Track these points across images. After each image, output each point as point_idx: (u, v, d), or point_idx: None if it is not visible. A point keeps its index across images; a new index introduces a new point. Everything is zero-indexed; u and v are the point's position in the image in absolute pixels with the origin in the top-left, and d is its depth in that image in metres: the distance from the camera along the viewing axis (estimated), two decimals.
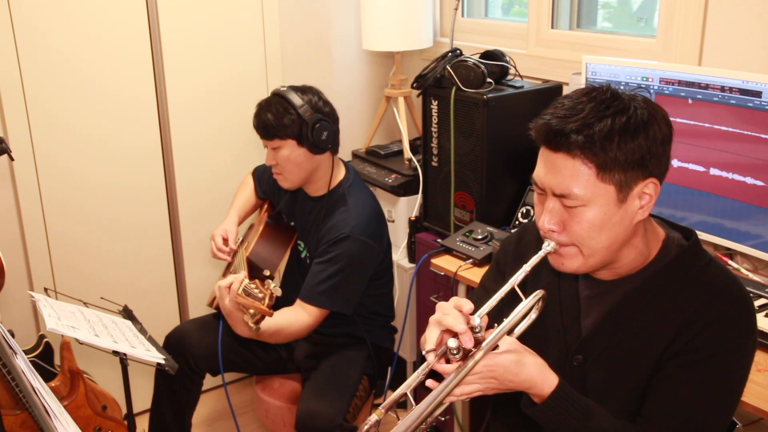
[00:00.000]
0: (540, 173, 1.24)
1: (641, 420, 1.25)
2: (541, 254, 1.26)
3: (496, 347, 1.22)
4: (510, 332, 1.28)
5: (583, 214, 1.20)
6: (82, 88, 2.51)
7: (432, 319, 1.22)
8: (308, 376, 2.23)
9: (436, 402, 1.20)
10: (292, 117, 2.09)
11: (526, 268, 1.26)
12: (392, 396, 1.20)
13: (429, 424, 1.25)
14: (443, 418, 2.60)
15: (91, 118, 2.55)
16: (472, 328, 1.18)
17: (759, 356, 1.58)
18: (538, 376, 1.23)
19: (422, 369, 1.21)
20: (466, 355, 1.19)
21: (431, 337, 1.21)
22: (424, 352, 1.22)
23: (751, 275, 1.90)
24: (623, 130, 1.16)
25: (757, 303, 1.72)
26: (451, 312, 1.20)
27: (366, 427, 1.18)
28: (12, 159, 2.00)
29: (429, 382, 1.22)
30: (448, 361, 1.22)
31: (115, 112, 2.58)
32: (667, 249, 1.29)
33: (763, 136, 1.76)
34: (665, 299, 1.25)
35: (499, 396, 1.51)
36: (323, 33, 2.99)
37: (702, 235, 1.93)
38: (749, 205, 1.82)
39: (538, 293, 1.28)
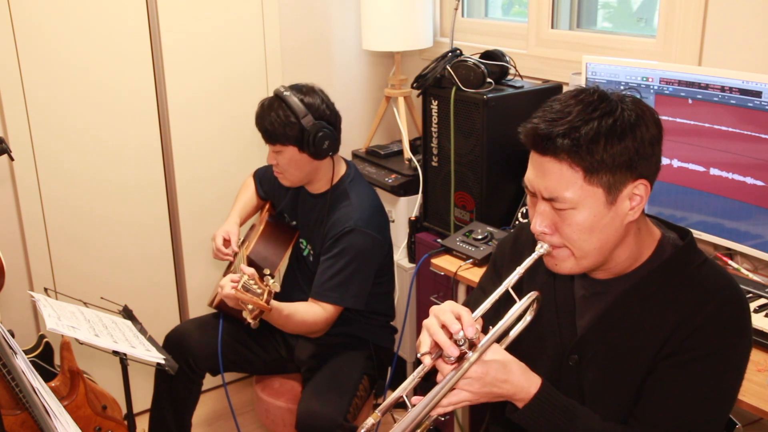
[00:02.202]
0: (530, 176, 1.25)
1: (633, 421, 1.24)
2: (534, 256, 1.26)
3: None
4: (505, 334, 1.28)
5: (572, 217, 1.20)
6: (82, 87, 2.51)
7: (425, 322, 1.23)
8: (308, 376, 2.23)
9: (432, 404, 1.19)
10: (294, 126, 2.08)
11: (520, 270, 1.27)
12: (388, 399, 1.20)
13: (425, 428, 1.24)
14: (443, 419, 2.60)
15: (91, 118, 2.55)
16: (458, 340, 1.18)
17: (759, 356, 1.58)
18: (524, 381, 1.23)
19: (418, 371, 1.22)
20: (461, 358, 1.19)
21: (425, 340, 1.21)
22: (419, 355, 1.22)
23: (751, 275, 1.90)
24: (609, 132, 1.16)
25: (758, 303, 1.72)
26: (446, 314, 1.20)
27: (363, 430, 1.18)
28: (12, 159, 2.00)
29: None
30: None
31: (115, 112, 2.58)
32: (663, 249, 1.29)
33: (763, 136, 1.76)
34: (660, 299, 1.25)
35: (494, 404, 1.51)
36: (323, 33, 2.99)
37: (702, 235, 1.93)
38: (749, 205, 1.82)
39: (532, 295, 1.29)
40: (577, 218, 1.20)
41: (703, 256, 1.29)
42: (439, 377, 1.21)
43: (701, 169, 1.91)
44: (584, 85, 1.26)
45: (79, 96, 2.51)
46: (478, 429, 2.51)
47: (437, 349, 1.20)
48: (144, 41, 2.57)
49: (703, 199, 1.92)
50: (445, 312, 1.20)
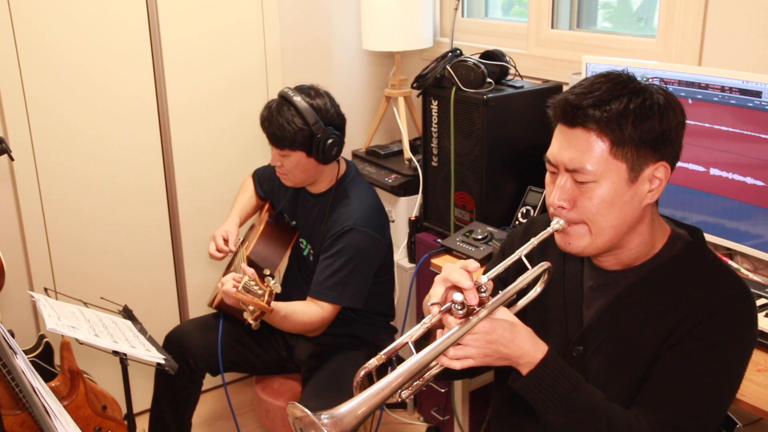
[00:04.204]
0: (554, 150, 1.26)
1: (636, 407, 1.25)
2: (549, 230, 1.26)
3: (493, 313, 1.21)
4: (515, 302, 1.28)
5: (594, 190, 1.21)
6: (82, 88, 2.51)
7: (438, 277, 1.23)
8: (308, 376, 2.23)
9: (435, 351, 1.17)
10: (304, 132, 2.06)
11: (534, 241, 1.27)
12: (393, 344, 1.18)
13: (426, 380, 1.23)
14: (443, 418, 2.60)
15: (91, 118, 2.55)
16: (478, 288, 1.18)
17: (759, 356, 1.58)
18: (531, 345, 1.22)
19: (426, 320, 1.21)
20: (470, 313, 1.18)
21: (436, 293, 1.22)
22: (429, 304, 1.21)
23: (751, 275, 1.90)
24: (639, 109, 1.18)
25: (758, 303, 1.72)
26: (457, 270, 1.20)
27: (363, 372, 1.17)
28: (12, 159, 2.00)
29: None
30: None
31: (115, 112, 2.58)
32: (673, 243, 1.31)
33: (763, 136, 1.76)
34: (668, 292, 1.26)
35: (499, 396, 1.51)
36: (323, 33, 2.99)
37: None
38: (749, 205, 1.82)
39: (543, 264, 1.29)
40: (598, 192, 1.21)
41: (712, 254, 1.31)
42: (444, 332, 1.20)
43: (701, 169, 1.91)
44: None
45: (79, 96, 2.51)
46: (478, 428, 2.51)
47: (446, 303, 1.19)
48: (144, 42, 2.57)
49: (703, 199, 1.92)
50: (457, 268, 1.20)
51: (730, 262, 1.96)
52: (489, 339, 1.19)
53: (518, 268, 1.30)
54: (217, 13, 2.69)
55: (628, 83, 1.21)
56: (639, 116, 1.18)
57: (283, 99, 2.11)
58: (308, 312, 2.09)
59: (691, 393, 1.21)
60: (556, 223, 1.26)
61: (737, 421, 1.40)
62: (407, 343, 1.20)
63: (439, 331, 1.22)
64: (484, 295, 1.19)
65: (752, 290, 1.74)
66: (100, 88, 2.54)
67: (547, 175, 1.30)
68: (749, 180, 1.81)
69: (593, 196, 1.21)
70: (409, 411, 2.88)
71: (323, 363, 2.22)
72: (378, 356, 1.17)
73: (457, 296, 1.17)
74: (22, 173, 2.48)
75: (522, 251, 1.27)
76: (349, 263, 2.11)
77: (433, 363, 1.21)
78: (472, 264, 1.21)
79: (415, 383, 1.22)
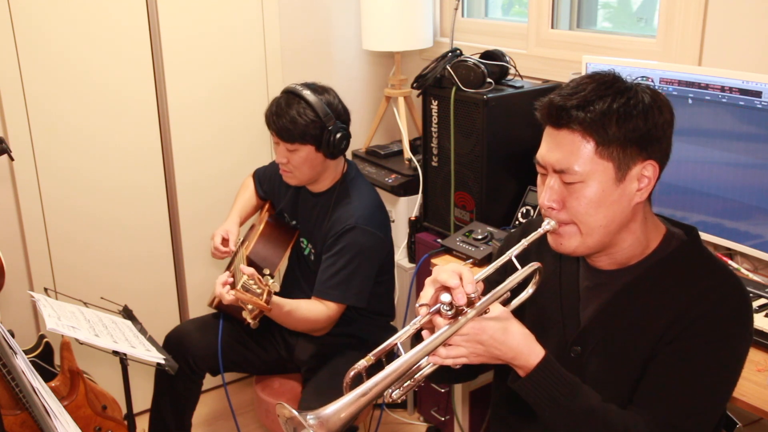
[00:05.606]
0: (542, 151, 1.27)
1: (633, 406, 1.25)
2: (540, 231, 1.27)
3: (486, 312, 1.22)
4: (508, 302, 1.29)
5: (581, 191, 1.22)
6: (82, 88, 2.51)
7: (428, 279, 1.24)
8: (308, 376, 2.23)
9: (422, 352, 1.18)
10: (316, 125, 2.08)
11: (524, 242, 1.28)
12: (382, 346, 1.19)
13: (417, 381, 1.23)
14: (443, 418, 2.60)
15: (91, 119, 2.55)
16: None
17: (759, 356, 1.58)
18: (525, 347, 1.22)
19: (414, 322, 1.22)
20: (459, 314, 1.19)
21: (426, 294, 1.23)
22: (417, 305, 1.22)
23: (751, 275, 1.90)
24: (623, 108, 1.19)
25: (758, 303, 1.72)
26: (445, 270, 1.21)
27: (352, 373, 1.17)
28: (12, 159, 2.00)
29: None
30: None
31: (116, 113, 2.58)
32: (668, 242, 1.31)
33: (763, 135, 1.75)
34: (663, 290, 1.26)
35: (498, 395, 1.51)
36: (323, 33, 2.99)
37: (702, 235, 1.92)
38: (749, 205, 1.82)
39: (533, 265, 1.30)
40: (586, 192, 1.22)
41: (708, 252, 1.31)
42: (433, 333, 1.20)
43: (701, 169, 1.91)
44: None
45: (79, 96, 2.51)
46: (478, 428, 2.51)
47: (435, 305, 1.20)
48: (144, 42, 2.57)
49: (703, 199, 1.92)
50: (447, 269, 1.21)
51: (730, 262, 1.96)
52: (479, 339, 1.20)
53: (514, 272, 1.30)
54: (217, 14, 2.69)
55: (613, 83, 1.22)
56: (623, 116, 1.18)
57: (292, 94, 2.12)
58: (313, 310, 2.09)
59: (688, 391, 1.21)
60: (547, 224, 1.27)
61: (737, 421, 1.40)
62: (396, 344, 1.20)
63: (425, 332, 1.22)
64: (472, 295, 1.19)
65: (752, 290, 1.76)
66: (100, 88, 2.54)
67: (539, 177, 1.31)
68: (749, 180, 1.81)
69: (581, 197, 1.22)
70: (409, 411, 2.88)
71: (323, 363, 2.22)
72: (367, 357, 1.18)
73: (445, 297, 1.18)
74: (22, 173, 2.48)
75: (513, 252, 1.28)
76: (352, 262, 2.11)
77: (424, 363, 1.22)
78: (467, 274, 1.20)
79: (405, 384, 1.22)
